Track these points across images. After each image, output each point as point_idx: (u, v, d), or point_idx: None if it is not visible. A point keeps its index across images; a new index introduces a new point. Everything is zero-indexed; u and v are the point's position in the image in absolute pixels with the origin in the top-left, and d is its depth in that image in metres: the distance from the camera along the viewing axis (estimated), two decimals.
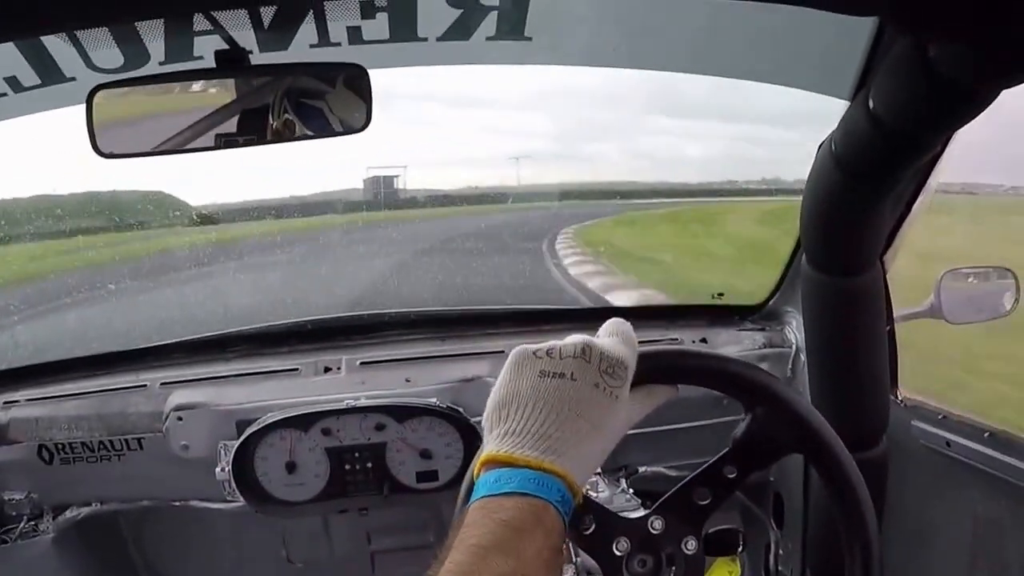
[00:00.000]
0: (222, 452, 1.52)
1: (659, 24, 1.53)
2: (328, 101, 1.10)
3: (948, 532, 1.37)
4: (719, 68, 1.68)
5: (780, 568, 1.70)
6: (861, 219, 1.09)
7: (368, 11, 1.42)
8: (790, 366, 1.68)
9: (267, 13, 1.27)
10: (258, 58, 1.06)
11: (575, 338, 0.69)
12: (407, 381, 1.60)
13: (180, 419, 1.54)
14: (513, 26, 1.50)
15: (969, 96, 0.76)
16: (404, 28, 1.48)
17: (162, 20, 1.18)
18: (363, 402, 1.53)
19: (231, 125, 1.07)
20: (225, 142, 1.08)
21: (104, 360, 1.72)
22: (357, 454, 1.55)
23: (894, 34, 0.89)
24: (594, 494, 1.42)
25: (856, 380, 1.27)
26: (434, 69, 1.64)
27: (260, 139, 1.09)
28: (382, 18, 1.45)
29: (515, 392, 0.67)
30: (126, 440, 1.57)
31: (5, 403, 1.59)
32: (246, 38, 1.09)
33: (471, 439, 1.53)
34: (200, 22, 1.23)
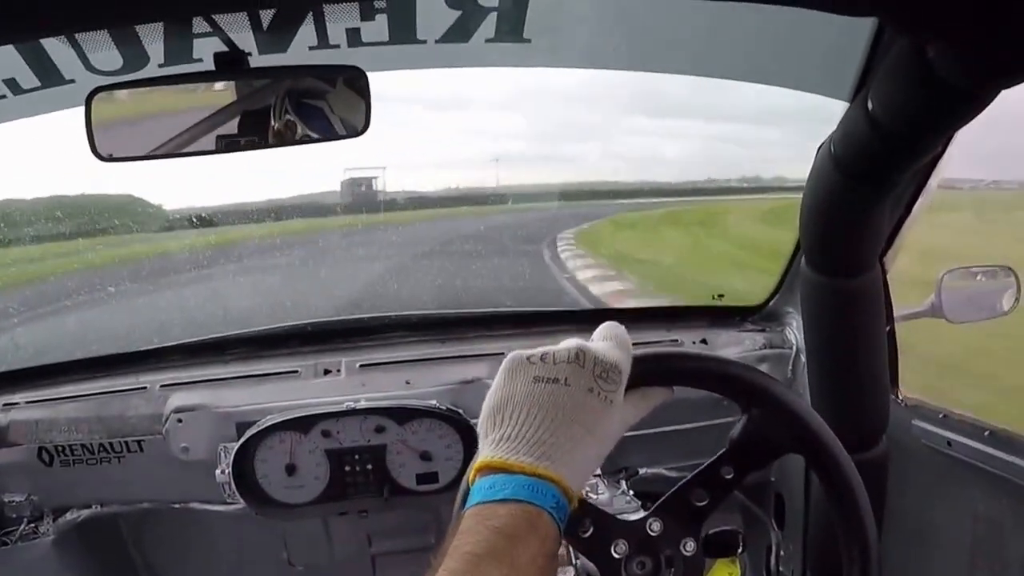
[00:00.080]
0: (222, 454, 1.52)
1: (659, 26, 1.53)
2: (329, 102, 1.10)
3: (949, 531, 1.37)
4: (719, 70, 1.68)
5: (781, 569, 1.70)
6: (860, 220, 1.09)
7: (367, 13, 1.42)
8: (790, 367, 1.68)
9: (266, 15, 1.28)
10: (257, 60, 1.06)
11: (569, 343, 0.69)
12: (407, 383, 1.60)
13: (180, 421, 1.53)
14: (512, 28, 1.50)
15: (968, 97, 0.75)
16: (403, 30, 1.49)
17: (161, 22, 1.18)
18: (363, 404, 1.53)
19: (232, 127, 1.07)
20: (226, 145, 1.08)
21: (104, 362, 1.72)
22: (357, 456, 1.55)
23: (893, 35, 0.89)
24: (594, 496, 1.41)
25: (856, 381, 1.27)
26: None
27: (261, 142, 1.08)
28: (381, 20, 1.45)
29: (509, 398, 0.66)
30: (126, 442, 1.57)
31: (5, 405, 1.59)
32: (245, 40, 1.09)
33: (471, 441, 1.53)
34: (199, 24, 1.23)
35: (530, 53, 1.58)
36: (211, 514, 1.64)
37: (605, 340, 0.72)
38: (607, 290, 5.69)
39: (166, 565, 1.86)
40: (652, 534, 0.78)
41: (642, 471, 1.70)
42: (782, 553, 1.70)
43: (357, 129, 1.10)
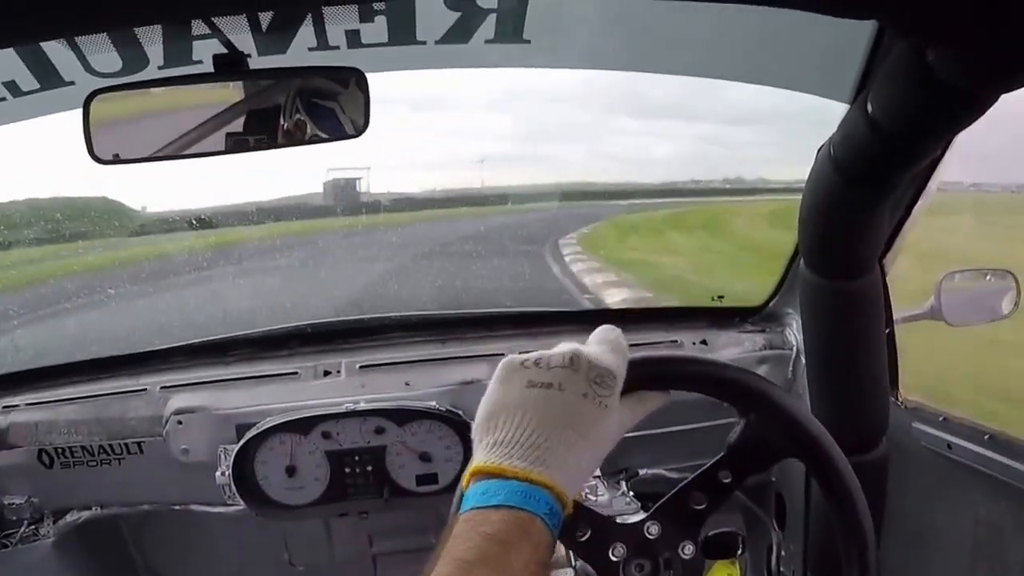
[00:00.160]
0: (222, 456, 1.52)
1: (659, 27, 1.53)
2: (340, 103, 1.10)
3: (949, 534, 1.37)
4: (719, 71, 1.68)
5: (782, 569, 1.70)
6: (860, 222, 1.09)
7: (367, 15, 1.42)
8: (790, 368, 1.67)
9: (265, 17, 1.28)
10: (257, 62, 1.05)
11: (563, 347, 0.69)
12: (406, 384, 1.60)
13: (180, 423, 1.53)
14: (512, 29, 1.50)
15: (968, 100, 0.75)
16: (403, 31, 1.49)
17: (160, 25, 1.18)
18: (363, 406, 1.53)
19: (238, 127, 1.07)
20: (235, 144, 1.07)
21: (103, 364, 1.72)
22: (357, 457, 1.55)
23: (893, 37, 0.89)
24: (593, 498, 1.41)
25: (855, 383, 1.27)
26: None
27: (271, 141, 1.08)
28: (381, 21, 1.45)
29: (503, 402, 0.66)
30: (126, 444, 1.57)
31: (5, 407, 1.59)
32: (245, 42, 1.09)
33: (471, 442, 1.52)
34: (199, 26, 1.23)
35: (530, 54, 1.58)
36: (212, 516, 1.64)
37: (600, 344, 0.71)
38: (617, 298, 5.64)
39: (167, 567, 1.86)
40: (650, 537, 0.78)
41: (642, 472, 1.70)
42: (783, 553, 1.70)
43: (358, 130, 1.10)
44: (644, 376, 0.75)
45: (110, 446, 1.57)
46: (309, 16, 1.36)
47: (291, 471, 1.54)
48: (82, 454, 1.57)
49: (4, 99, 1.48)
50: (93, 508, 1.65)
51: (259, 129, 1.08)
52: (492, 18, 1.48)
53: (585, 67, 1.83)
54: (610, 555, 0.77)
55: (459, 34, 1.50)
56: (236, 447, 1.51)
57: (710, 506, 0.79)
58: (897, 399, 1.41)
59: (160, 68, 1.41)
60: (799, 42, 1.41)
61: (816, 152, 1.07)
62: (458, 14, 1.47)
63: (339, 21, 1.42)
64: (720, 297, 1.96)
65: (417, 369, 1.65)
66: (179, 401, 1.56)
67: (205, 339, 1.79)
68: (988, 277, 1.49)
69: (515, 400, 0.66)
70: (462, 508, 0.62)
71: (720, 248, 8.87)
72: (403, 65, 1.61)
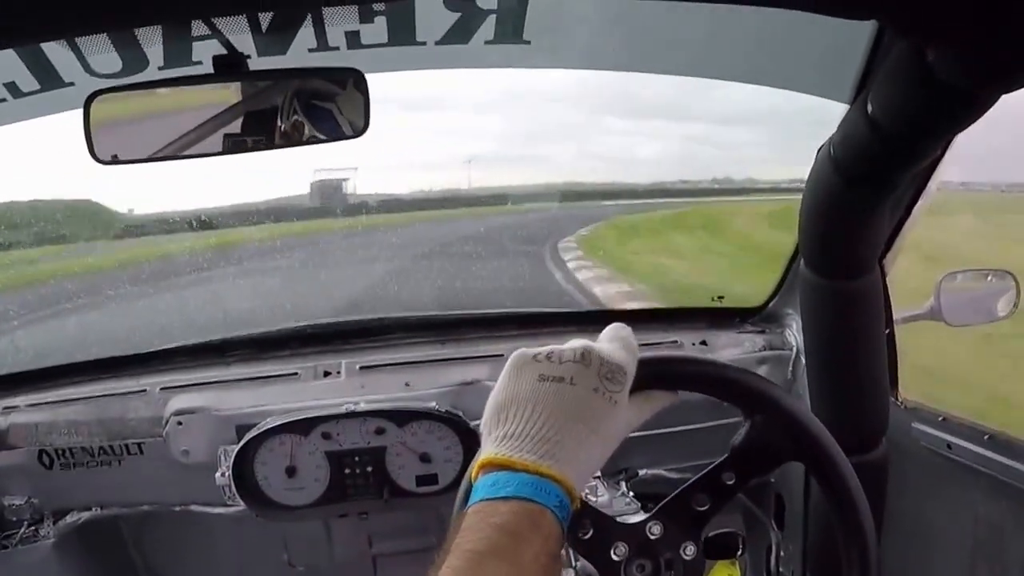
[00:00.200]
0: (222, 457, 1.52)
1: (659, 28, 1.53)
2: (338, 103, 1.10)
3: (949, 534, 1.37)
4: (719, 71, 1.68)
5: (781, 570, 1.70)
6: (860, 223, 1.09)
7: (367, 15, 1.42)
8: (790, 368, 1.67)
9: (265, 18, 1.28)
10: (256, 63, 1.06)
11: (575, 343, 0.69)
12: (406, 385, 1.60)
13: (180, 424, 1.53)
14: (512, 30, 1.50)
15: (968, 100, 0.75)
16: (403, 32, 1.49)
17: (160, 26, 1.18)
18: (363, 406, 1.53)
19: (236, 128, 1.07)
20: (233, 145, 1.07)
21: (104, 365, 1.72)
22: (357, 458, 1.55)
23: (893, 38, 0.89)
24: (593, 498, 1.41)
25: (855, 383, 1.27)
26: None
27: (269, 142, 1.09)
28: (380, 22, 1.45)
29: (514, 395, 0.66)
30: (126, 445, 1.57)
31: (5, 408, 1.59)
32: (244, 43, 1.09)
33: (470, 443, 1.53)
34: (198, 27, 1.23)
35: (530, 54, 1.58)
36: (212, 516, 1.64)
37: (611, 341, 0.72)
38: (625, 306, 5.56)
39: (167, 567, 1.86)
40: (652, 537, 0.78)
41: (642, 472, 1.70)
42: (782, 554, 1.70)
43: (358, 130, 1.11)
44: (653, 375, 0.75)
45: (110, 447, 1.57)
46: (309, 17, 1.36)
47: (291, 472, 1.53)
48: (82, 455, 1.57)
49: (4, 100, 1.48)
50: (93, 509, 1.65)
51: (259, 130, 1.08)
52: (492, 19, 1.48)
53: (585, 67, 1.83)
54: (612, 555, 0.77)
55: (459, 35, 1.50)
56: (236, 448, 1.50)
57: (712, 507, 0.79)
58: (897, 399, 1.41)
59: (160, 69, 1.41)
60: (799, 42, 1.41)
61: (816, 152, 1.07)
62: (458, 15, 1.47)
63: (339, 22, 1.42)
64: (720, 297, 1.96)
65: (417, 370, 1.65)
66: (179, 402, 1.56)
67: (205, 340, 1.79)
68: (988, 278, 1.49)
69: (526, 393, 0.66)
70: (471, 500, 0.62)
71: (724, 250, 8.77)
72: (403, 66, 1.61)
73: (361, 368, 1.66)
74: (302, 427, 1.52)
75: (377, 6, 1.41)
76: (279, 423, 1.51)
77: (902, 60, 0.77)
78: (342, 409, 1.53)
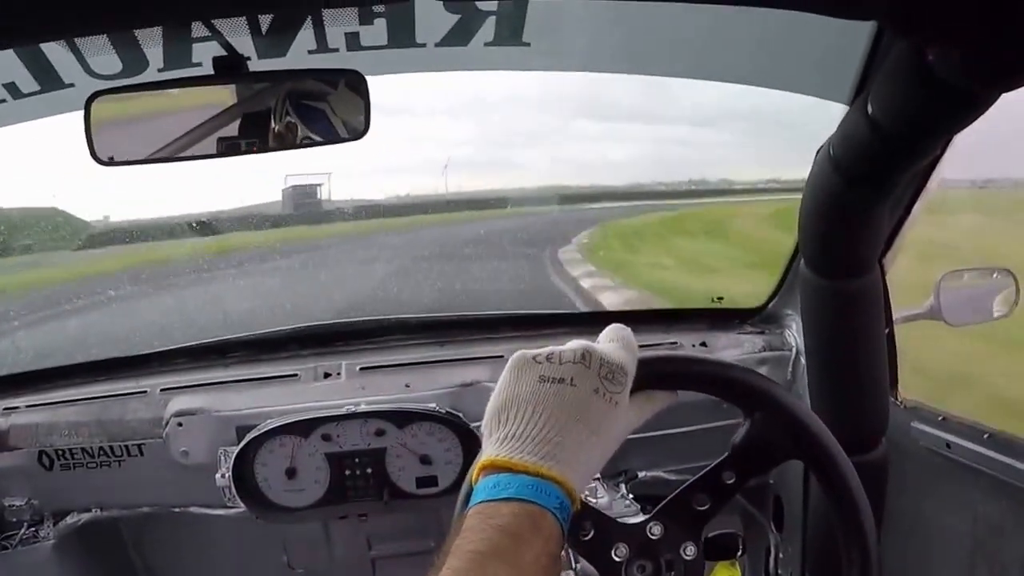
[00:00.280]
0: (222, 458, 1.52)
1: (658, 29, 1.53)
2: (331, 104, 1.10)
3: (948, 533, 1.37)
4: (719, 73, 1.69)
5: (780, 571, 1.70)
6: (860, 222, 1.09)
7: (366, 17, 1.42)
8: (790, 369, 1.67)
9: (265, 19, 1.28)
10: (256, 64, 1.06)
11: (575, 343, 0.69)
12: (406, 386, 1.59)
13: (180, 425, 1.53)
14: (511, 32, 1.50)
15: (968, 100, 0.76)
16: (402, 34, 1.49)
17: (160, 27, 1.18)
18: (363, 408, 1.53)
19: (232, 130, 1.07)
20: (227, 148, 1.08)
21: (104, 366, 1.72)
22: (357, 460, 1.55)
23: (893, 38, 0.89)
24: (593, 500, 1.42)
25: (855, 383, 1.27)
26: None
27: (263, 145, 1.09)
28: (380, 24, 1.46)
29: (514, 397, 0.66)
30: (126, 446, 1.57)
31: (5, 409, 1.59)
32: (244, 44, 1.10)
33: (470, 444, 1.52)
34: (198, 28, 1.23)
35: (529, 56, 1.58)
36: (212, 518, 1.64)
37: (612, 342, 0.72)
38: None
39: (167, 569, 1.85)
40: (652, 538, 0.78)
41: (641, 474, 1.69)
42: (781, 555, 1.70)
43: (358, 132, 1.11)
44: (653, 375, 0.75)
45: (110, 448, 1.57)
46: (309, 18, 1.36)
47: (291, 473, 1.53)
48: (82, 456, 1.57)
49: (4, 101, 1.48)
50: (93, 510, 1.65)
51: (259, 131, 1.08)
52: (491, 20, 1.48)
53: (584, 69, 1.83)
54: (612, 555, 0.77)
55: (459, 36, 1.51)
56: (236, 449, 1.50)
57: (713, 507, 0.79)
58: (896, 399, 1.42)
59: (160, 70, 1.41)
60: (798, 43, 1.41)
61: (816, 152, 1.07)
62: (458, 16, 1.47)
63: (339, 23, 1.42)
64: (720, 298, 1.96)
65: (417, 371, 1.65)
66: (179, 403, 1.56)
67: (205, 341, 1.79)
68: (987, 276, 1.49)
69: (526, 394, 0.66)
70: (471, 501, 0.62)
71: (733, 253, 8.56)
72: (403, 68, 1.62)
73: (361, 369, 1.66)
74: (302, 428, 1.52)
75: (377, 8, 1.41)
76: (279, 424, 1.51)
77: (901, 60, 0.77)
78: (342, 410, 1.53)
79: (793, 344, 1.68)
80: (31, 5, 0.59)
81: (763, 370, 1.66)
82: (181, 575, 1.87)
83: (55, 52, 1.39)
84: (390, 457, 1.55)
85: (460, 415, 1.54)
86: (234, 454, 1.50)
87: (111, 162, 1.05)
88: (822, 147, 1.04)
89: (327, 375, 1.65)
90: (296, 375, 1.65)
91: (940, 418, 1.35)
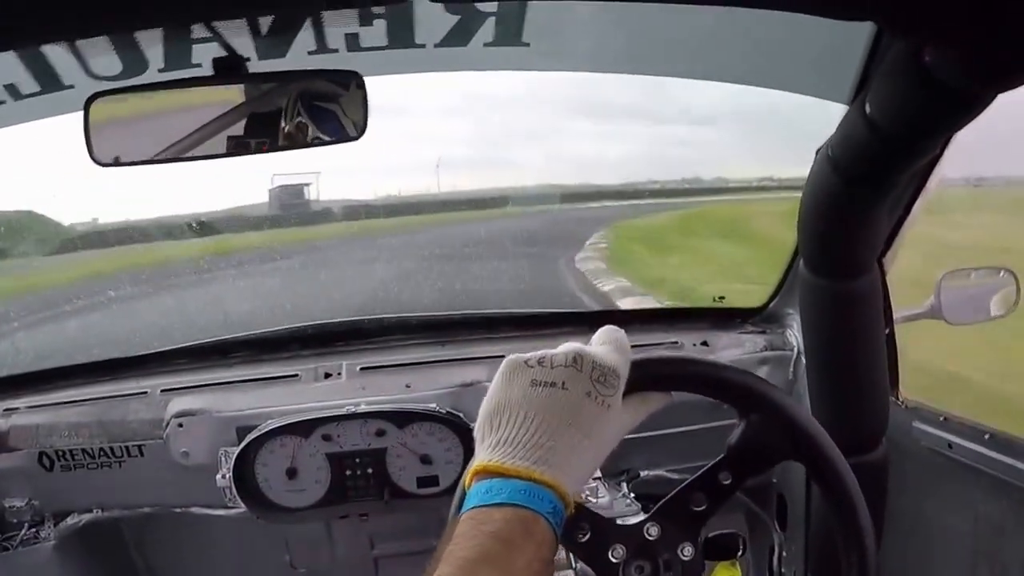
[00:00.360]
0: (223, 459, 1.52)
1: (658, 30, 1.53)
2: (340, 106, 1.10)
3: (950, 533, 1.37)
4: (719, 73, 1.69)
5: (783, 570, 1.70)
6: (859, 223, 1.09)
7: (366, 18, 1.42)
8: (791, 368, 1.67)
9: (265, 20, 1.28)
10: (256, 65, 1.06)
11: (567, 347, 0.69)
12: (407, 386, 1.59)
13: (181, 426, 1.53)
14: (511, 32, 1.50)
15: (966, 99, 0.76)
16: (402, 34, 1.49)
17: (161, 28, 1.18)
18: (363, 408, 1.53)
19: (239, 130, 1.07)
20: (236, 147, 1.07)
21: (104, 367, 1.72)
22: (358, 460, 1.55)
23: (891, 39, 0.89)
24: (594, 499, 1.41)
25: (855, 383, 1.27)
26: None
27: (272, 144, 1.09)
28: (380, 24, 1.45)
29: (506, 401, 0.66)
30: (127, 447, 1.57)
31: (6, 410, 1.60)
32: (244, 45, 1.09)
33: (471, 444, 1.51)
34: (198, 29, 1.23)
35: (529, 56, 1.58)
36: (213, 518, 1.64)
37: (604, 344, 0.72)
38: None
39: (168, 569, 1.86)
40: (650, 538, 0.78)
41: (643, 473, 1.69)
42: (784, 554, 1.70)
43: (357, 132, 1.11)
44: (646, 377, 0.75)
45: (111, 449, 1.57)
46: (308, 19, 1.36)
47: (292, 473, 1.53)
48: (83, 457, 1.57)
49: (3, 102, 1.48)
50: (94, 511, 1.65)
51: (259, 132, 1.08)
52: (491, 21, 1.48)
53: (584, 70, 1.84)
54: (610, 556, 0.77)
55: (458, 37, 1.51)
56: (237, 450, 1.50)
57: (710, 507, 0.79)
58: (897, 398, 1.42)
59: (160, 71, 1.41)
60: (797, 44, 1.41)
61: (815, 153, 1.07)
62: (457, 17, 1.47)
63: (338, 24, 1.42)
64: (721, 298, 1.96)
65: (417, 371, 1.65)
66: (180, 404, 1.56)
67: (205, 341, 1.79)
68: (988, 276, 1.49)
69: (518, 399, 0.66)
70: (464, 507, 0.62)
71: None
72: (403, 68, 1.62)
73: (361, 369, 1.66)
74: (303, 429, 1.52)
75: (376, 9, 1.41)
76: (280, 425, 1.51)
77: (899, 60, 0.77)
78: (343, 410, 1.53)
79: (794, 343, 1.68)
80: (32, 7, 0.60)
81: (764, 369, 1.66)
82: (183, 575, 1.87)
83: (55, 53, 1.39)
84: (391, 457, 1.55)
85: (460, 415, 1.54)
86: (235, 455, 1.50)
87: (116, 163, 1.05)
88: (821, 147, 1.04)
89: (327, 375, 1.65)
90: (296, 375, 1.65)
91: (941, 418, 1.35)
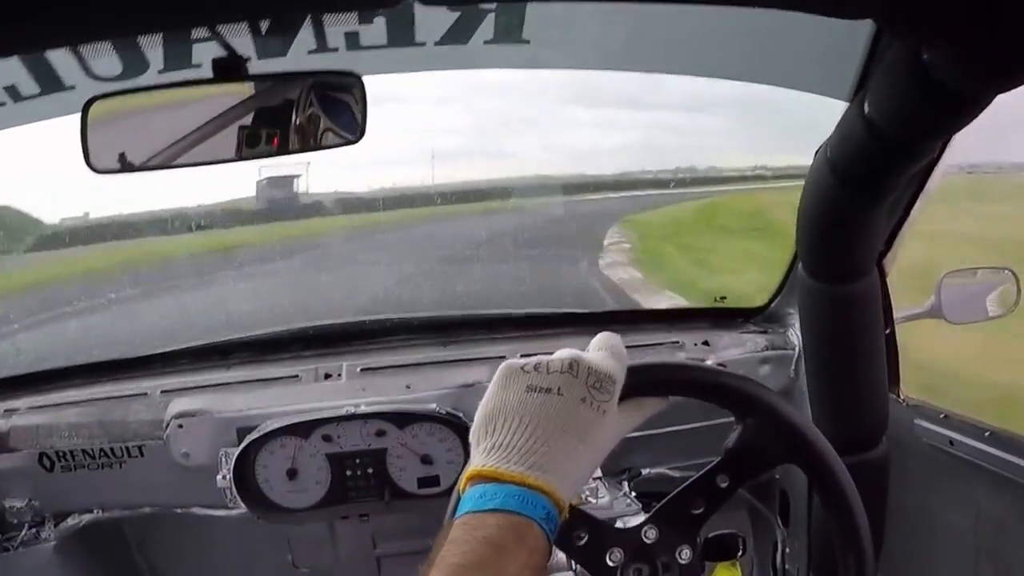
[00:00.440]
0: (223, 459, 1.52)
1: (658, 27, 1.53)
2: (339, 108, 1.10)
3: (951, 530, 1.37)
4: (719, 70, 1.68)
5: (787, 567, 1.70)
6: (857, 225, 1.09)
7: (366, 16, 1.42)
8: (792, 368, 1.67)
9: (265, 20, 1.28)
10: (256, 65, 1.05)
11: (563, 353, 0.69)
12: (407, 387, 1.59)
13: (181, 426, 1.53)
14: (511, 30, 1.50)
15: (965, 99, 0.75)
16: (402, 33, 1.49)
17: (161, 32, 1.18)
18: (363, 408, 1.53)
19: (237, 133, 1.07)
20: (234, 150, 1.07)
21: (105, 367, 1.72)
22: (358, 460, 1.55)
23: (890, 38, 0.89)
24: (594, 500, 1.41)
25: (854, 384, 1.27)
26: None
27: (272, 147, 1.08)
28: (380, 23, 1.45)
29: (502, 407, 0.66)
30: (127, 448, 1.57)
31: (6, 411, 1.60)
32: (244, 45, 1.09)
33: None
34: (198, 29, 1.23)
35: (529, 54, 1.58)
36: (214, 518, 1.64)
37: (600, 350, 0.72)
38: None
39: (169, 570, 1.86)
40: (648, 542, 0.78)
41: (645, 471, 1.69)
42: (787, 551, 1.70)
43: (355, 135, 1.10)
44: (642, 382, 0.75)
45: (111, 449, 1.57)
46: (308, 19, 1.36)
47: (292, 474, 1.53)
48: (83, 457, 1.57)
49: (4, 104, 1.48)
50: (94, 511, 1.65)
51: (259, 135, 1.08)
52: (491, 18, 1.48)
53: (584, 67, 1.84)
54: (607, 560, 0.77)
55: (458, 35, 1.50)
56: (237, 450, 1.50)
57: (707, 510, 0.79)
58: (898, 396, 1.41)
59: (160, 72, 1.41)
60: (798, 41, 1.41)
61: (814, 154, 1.07)
62: (457, 15, 1.47)
63: (338, 23, 1.42)
64: (722, 298, 1.96)
65: (418, 372, 1.65)
66: (180, 404, 1.56)
67: (206, 342, 1.79)
68: (988, 275, 1.49)
69: (514, 404, 0.66)
70: (458, 512, 0.62)
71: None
72: (403, 67, 1.62)
73: (362, 370, 1.66)
74: (303, 429, 1.52)
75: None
76: (280, 425, 1.51)
77: (898, 60, 0.77)
78: (343, 411, 1.52)
79: (796, 343, 1.68)
80: (33, 7, 0.59)
81: (765, 369, 1.66)
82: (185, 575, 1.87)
83: (55, 54, 1.39)
84: (391, 457, 1.55)
85: (461, 415, 1.54)
86: (235, 455, 1.50)
87: (113, 170, 1.04)
88: (819, 149, 1.04)
89: (328, 376, 1.65)
90: (297, 376, 1.65)
91: (942, 415, 1.35)
